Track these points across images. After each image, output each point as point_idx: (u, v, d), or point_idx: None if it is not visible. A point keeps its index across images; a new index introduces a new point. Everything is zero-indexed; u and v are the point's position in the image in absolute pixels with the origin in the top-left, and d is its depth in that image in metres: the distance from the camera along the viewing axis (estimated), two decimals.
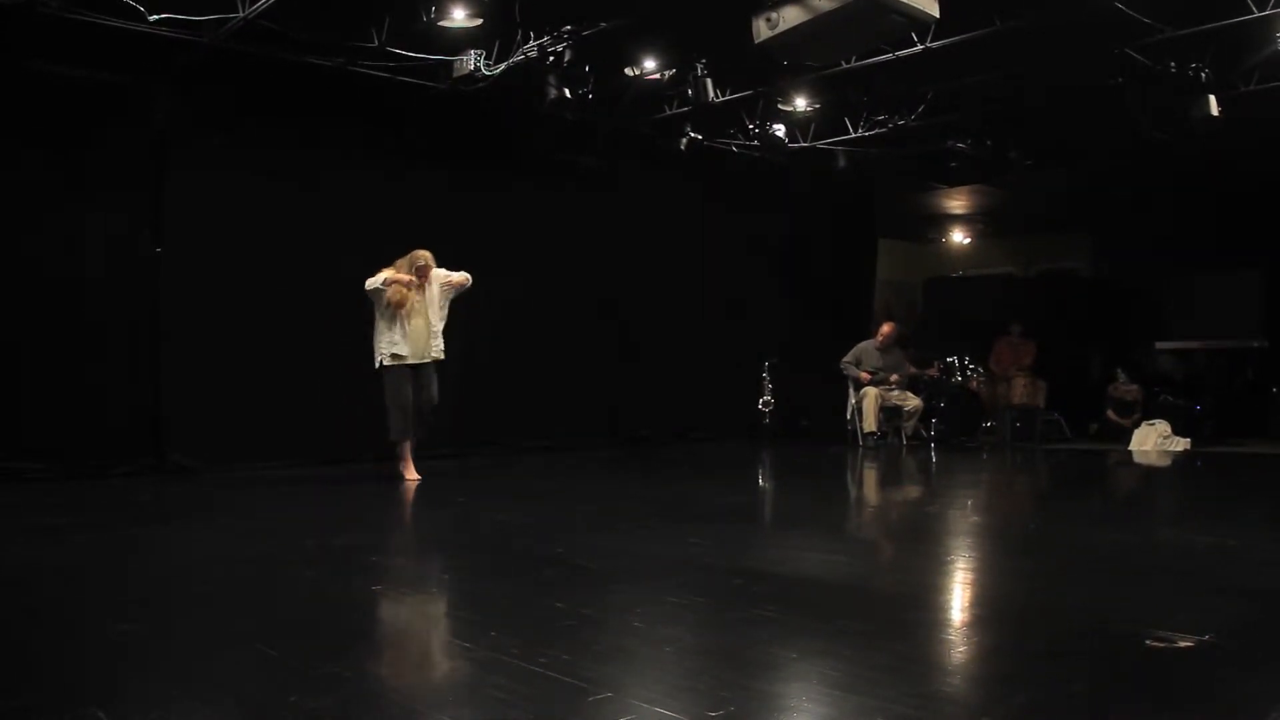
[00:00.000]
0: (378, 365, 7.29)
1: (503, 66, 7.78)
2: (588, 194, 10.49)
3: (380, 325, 7.27)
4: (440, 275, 7.36)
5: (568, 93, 7.92)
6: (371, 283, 7.12)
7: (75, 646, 3.12)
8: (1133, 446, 10.66)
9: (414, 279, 7.18)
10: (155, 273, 7.96)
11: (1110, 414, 11.58)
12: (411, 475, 7.32)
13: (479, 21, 7.25)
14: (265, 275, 8.34)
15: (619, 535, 5.32)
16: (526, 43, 7.60)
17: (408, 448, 7.38)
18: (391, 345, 7.21)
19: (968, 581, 4.19)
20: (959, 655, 3.05)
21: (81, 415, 7.64)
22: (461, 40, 7.63)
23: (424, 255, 7.27)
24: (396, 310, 7.18)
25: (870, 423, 10.57)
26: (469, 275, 7.45)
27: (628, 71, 8.34)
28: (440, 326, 7.37)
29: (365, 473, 8.15)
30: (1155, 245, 13.09)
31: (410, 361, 7.24)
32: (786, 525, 6.28)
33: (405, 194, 9.21)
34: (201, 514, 6.23)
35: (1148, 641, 3.02)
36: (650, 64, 8.19)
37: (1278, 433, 11.16)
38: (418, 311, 7.26)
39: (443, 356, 7.39)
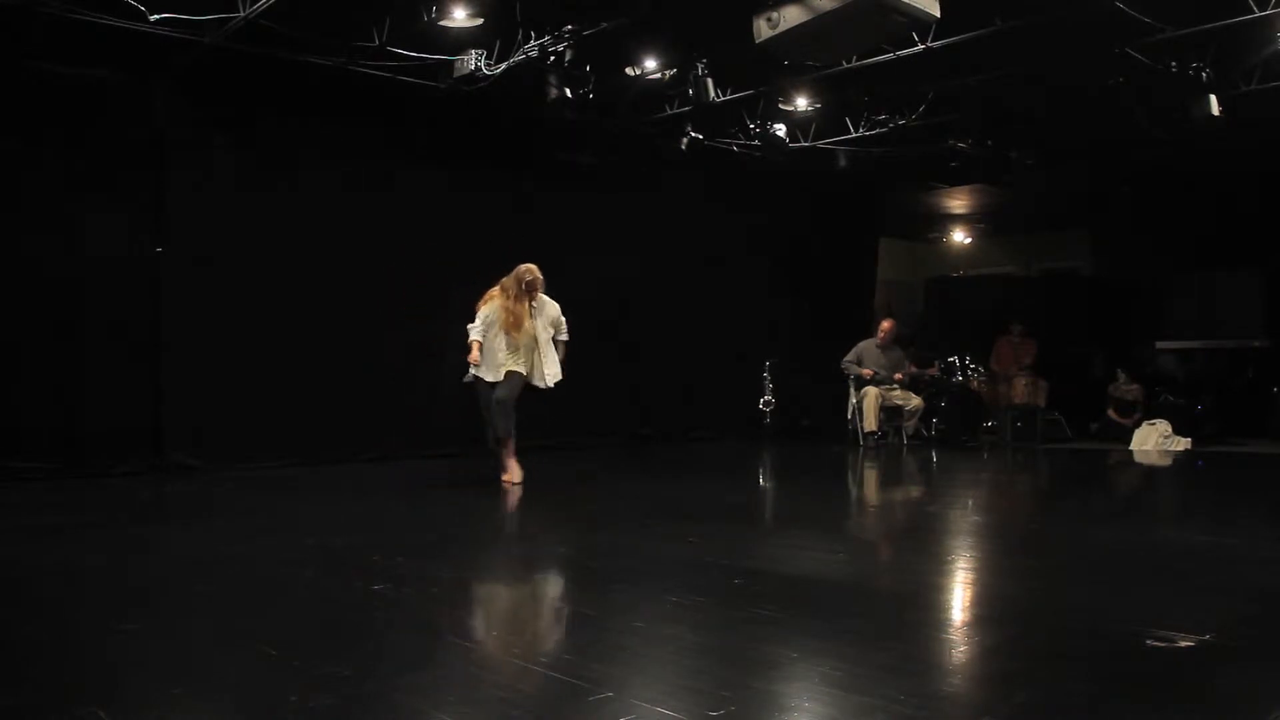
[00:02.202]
0: (466, 379, 7.07)
1: (503, 66, 7.77)
2: (588, 194, 10.48)
3: (486, 339, 6.96)
4: (550, 306, 7.14)
5: (568, 92, 7.91)
6: (474, 331, 6.93)
7: (75, 646, 3.12)
8: (1133, 446, 10.65)
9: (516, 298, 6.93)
10: (155, 273, 7.96)
11: (1111, 413, 11.58)
12: (513, 475, 7.12)
13: (479, 21, 7.25)
14: (265, 275, 8.34)
15: (619, 535, 5.32)
16: (527, 42, 7.59)
17: (509, 449, 7.12)
18: (490, 361, 6.94)
19: (968, 581, 4.19)
20: (959, 655, 3.05)
21: (81, 415, 7.64)
22: (462, 40, 7.63)
23: (532, 270, 7.00)
24: (509, 330, 6.93)
25: (871, 422, 10.57)
26: (566, 338, 7.19)
27: (628, 71, 8.34)
28: (548, 355, 7.06)
29: (365, 472, 8.16)
30: (1155, 245, 13.08)
31: (491, 379, 6.96)
32: (787, 525, 6.28)
33: (405, 194, 9.22)
34: (201, 514, 6.23)
35: (1148, 641, 3.02)
36: (651, 64, 8.19)
37: (1278, 432, 11.15)
38: (526, 329, 6.97)
39: (549, 384, 7.05)
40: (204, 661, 2.97)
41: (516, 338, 6.96)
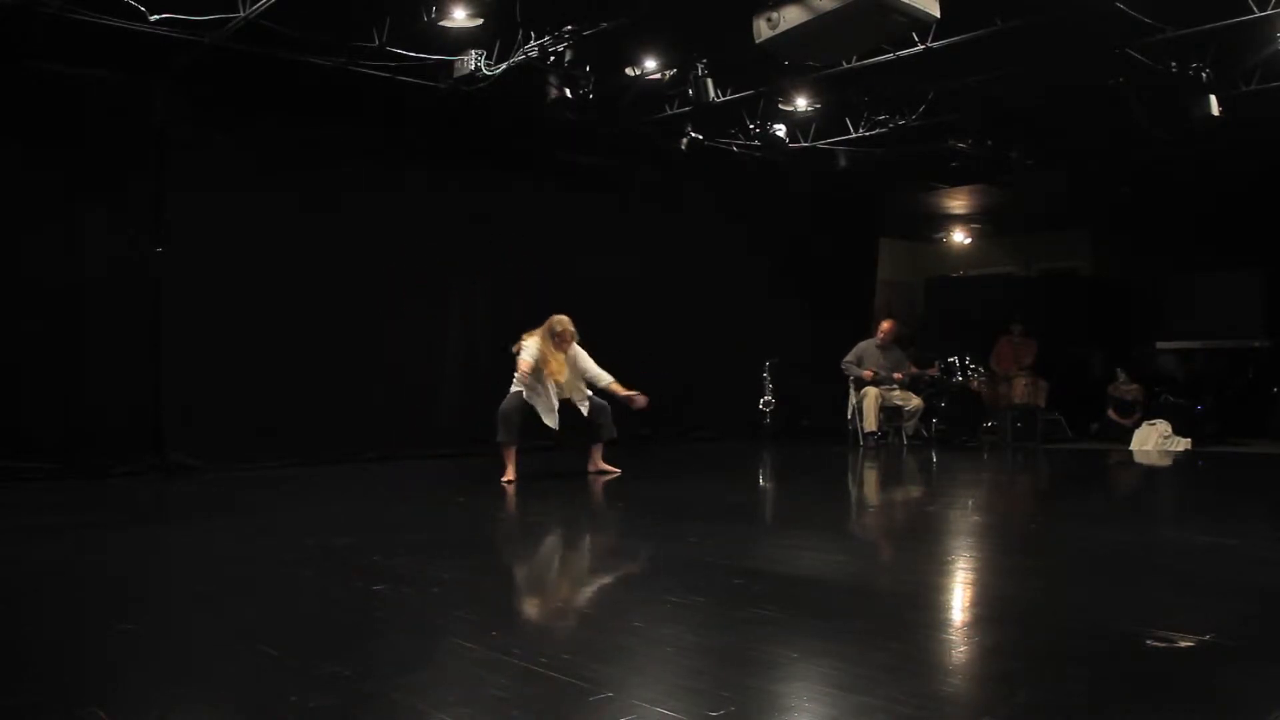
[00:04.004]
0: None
1: (503, 66, 7.77)
2: (588, 194, 10.48)
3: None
4: (583, 358, 7.59)
5: (568, 93, 7.92)
6: (523, 367, 7.25)
7: (75, 646, 3.12)
8: (1133, 446, 10.65)
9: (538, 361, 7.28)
10: (155, 273, 7.96)
11: (1111, 413, 11.58)
12: (509, 476, 7.36)
13: (480, 21, 7.25)
14: (265, 275, 8.34)
15: (619, 535, 5.32)
16: (527, 43, 7.59)
17: (510, 454, 7.45)
18: (529, 390, 7.40)
19: (968, 581, 4.19)
20: (959, 655, 3.04)
21: (81, 415, 7.65)
22: (462, 40, 7.62)
23: (561, 321, 7.39)
24: (554, 375, 7.39)
25: (871, 422, 10.57)
26: (607, 382, 7.64)
27: (628, 71, 8.33)
28: (582, 395, 7.62)
29: (365, 472, 8.16)
30: (1155, 245, 13.08)
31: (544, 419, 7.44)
32: (787, 525, 6.28)
33: (405, 194, 9.23)
34: (201, 514, 6.23)
35: (1148, 641, 3.02)
36: (651, 64, 8.19)
37: (1278, 432, 11.15)
38: (556, 373, 7.39)
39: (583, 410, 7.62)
40: (204, 661, 2.97)
41: (558, 379, 7.42)
